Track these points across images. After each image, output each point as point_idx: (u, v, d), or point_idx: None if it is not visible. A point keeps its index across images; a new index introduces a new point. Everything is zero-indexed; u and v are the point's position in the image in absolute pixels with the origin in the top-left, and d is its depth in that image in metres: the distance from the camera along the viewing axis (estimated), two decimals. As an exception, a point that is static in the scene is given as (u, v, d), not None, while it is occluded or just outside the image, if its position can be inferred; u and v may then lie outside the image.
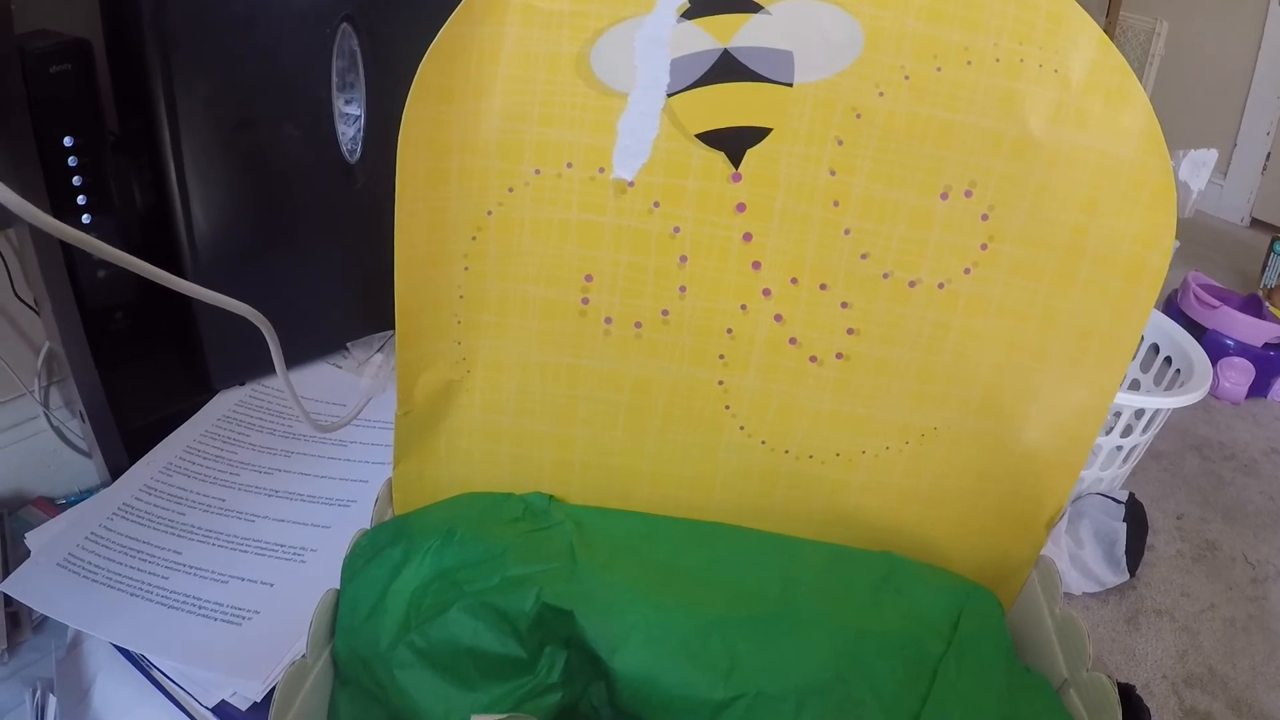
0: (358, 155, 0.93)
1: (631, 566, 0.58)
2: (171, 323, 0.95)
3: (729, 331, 0.60)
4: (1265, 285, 1.57)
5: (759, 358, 0.60)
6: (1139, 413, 0.97)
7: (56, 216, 0.46)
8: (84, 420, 0.86)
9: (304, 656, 0.54)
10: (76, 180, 0.80)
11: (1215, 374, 1.30)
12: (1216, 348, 1.34)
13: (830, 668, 0.53)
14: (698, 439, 0.63)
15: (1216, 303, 1.37)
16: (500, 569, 0.56)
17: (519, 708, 0.54)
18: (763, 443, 0.63)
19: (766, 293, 0.59)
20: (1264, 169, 2.03)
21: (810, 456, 0.63)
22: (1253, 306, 1.39)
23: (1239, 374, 1.34)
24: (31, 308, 0.88)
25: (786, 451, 0.63)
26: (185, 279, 0.54)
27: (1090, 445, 0.60)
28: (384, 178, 0.54)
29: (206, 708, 0.66)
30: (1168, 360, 1.12)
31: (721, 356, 0.61)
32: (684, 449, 0.63)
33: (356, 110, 0.91)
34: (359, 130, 0.92)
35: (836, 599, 0.58)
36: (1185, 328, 1.14)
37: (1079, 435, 0.59)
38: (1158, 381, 1.13)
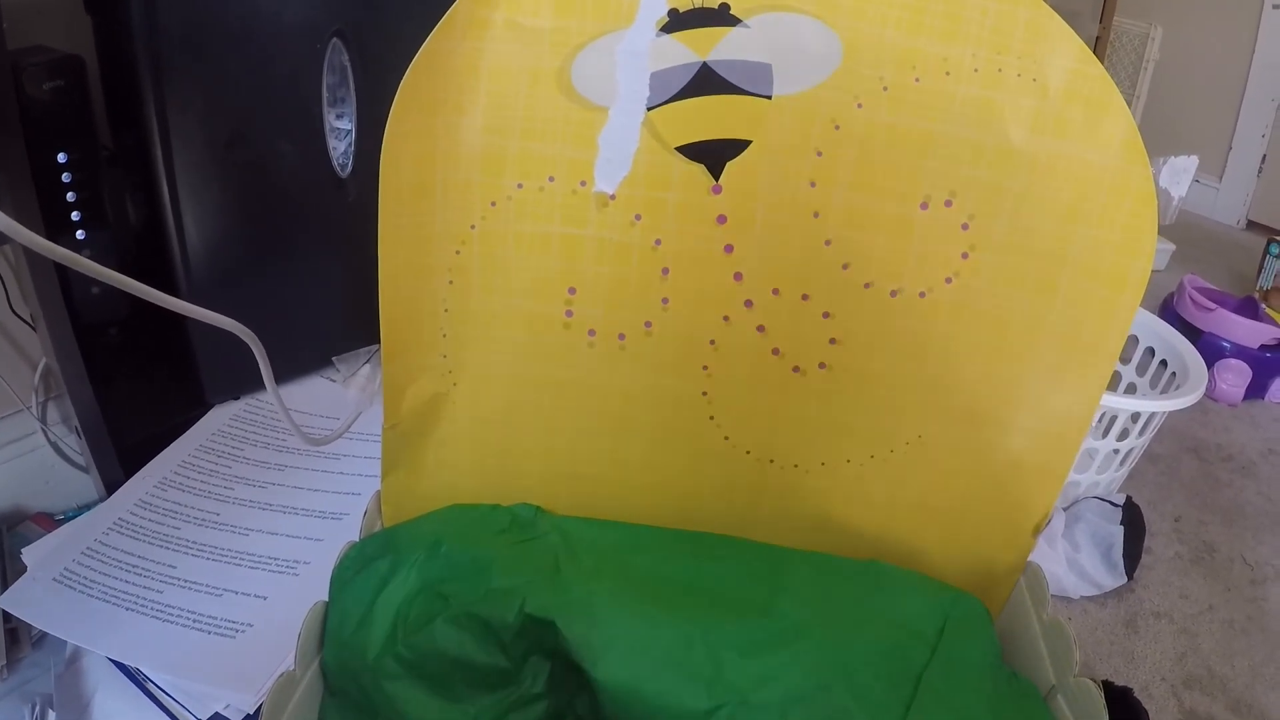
0: (349, 170, 0.94)
1: (616, 576, 0.58)
2: (165, 338, 0.96)
3: (712, 343, 0.60)
4: (1261, 287, 1.57)
5: (742, 369, 0.61)
6: (1135, 416, 0.97)
7: (50, 232, 0.46)
8: (80, 436, 0.86)
9: (293, 668, 0.54)
10: (70, 196, 0.80)
11: (1212, 376, 1.30)
12: (1213, 350, 1.34)
13: (814, 676, 0.53)
14: (683, 449, 0.63)
15: (1213, 305, 1.37)
16: (485, 580, 0.56)
17: (504, 718, 0.54)
18: (747, 453, 0.63)
19: (749, 304, 0.59)
20: (1259, 171, 2.03)
21: (795, 466, 0.63)
22: (1249, 308, 1.39)
23: (1236, 376, 1.34)
24: (28, 323, 0.88)
25: (771, 461, 0.63)
26: (178, 293, 0.55)
27: (1076, 451, 0.60)
28: (375, 192, 0.54)
29: (200, 720, 0.67)
30: (1163, 363, 1.12)
31: (705, 368, 0.61)
32: (669, 459, 0.63)
33: (347, 125, 0.92)
34: (350, 145, 0.93)
35: (822, 607, 0.58)
36: (1182, 331, 1.14)
37: (1064, 441, 0.60)
38: (1153, 385, 1.13)
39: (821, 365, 0.60)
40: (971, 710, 0.53)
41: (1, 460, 0.90)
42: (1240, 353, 1.35)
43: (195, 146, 0.85)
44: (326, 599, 0.58)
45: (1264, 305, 1.40)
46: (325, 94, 0.89)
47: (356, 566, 0.58)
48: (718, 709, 0.51)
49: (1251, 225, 2.09)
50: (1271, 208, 2.04)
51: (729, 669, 0.53)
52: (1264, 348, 1.34)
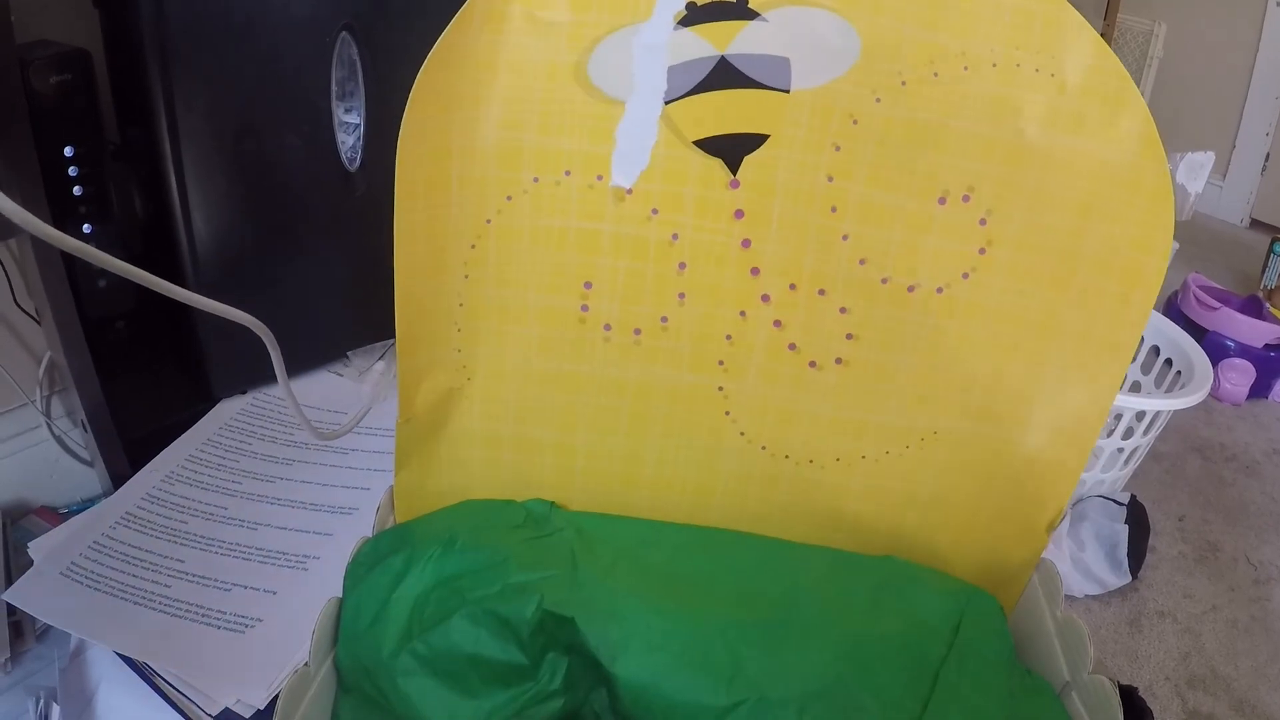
0: (358, 163, 0.93)
1: (633, 573, 0.58)
2: (173, 331, 0.96)
3: (728, 338, 0.60)
4: (1265, 286, 1.57)
5: (758, 363, 0.60)
6: (1140, 415, 0.97)
7: (57, 226, 0.46)
8: (86, 429, 0.86)
9: (306, 665, 0.54)
10: (77, 190, 0.80)
11: (1216, 375, 1.30)
12: (1217, 349, 1.34)
13: (832, 672, 0.53)
14: (698, 445, 0.63)
15: (1217, 304, 1.37)
16: (502, 576, 0.56)
17: (521, 714, 0.54)
18: (763, 448, 0.63)
19: (765, 299, 0.59)
20: (1263, 170, 2.03)
21: (810, 461, 0.63)
22: (1253, 307, 1.39)
23: (1240, 375, 1.34)
24: (33, 317, 0.88)
25: (786, 457, 0.63)
26: (186, 288, 0.55)
27: (1090, 448, 0.60)
28: (384, 186, 0.54)
29: (210, 716, 0.66)
30: (1168, 362, 1.12)
31: (721, 362, 0.61)
32: (684, 455, 0.63)
33: (356, 119, 0.91)
34: (359, 139, 0.92)
35: (838, 604, 0.58)
36: (1186, 329, 1.14)
37: (1079, 438, 0.59)
38: (1158, 383, 1.12)
39: (838, 360, 0.60)
40: (987, 706, 0.53)
41: (6, 454, 0.89)
42: (1244, 352, 1.34)
43: (203, 140, 0.84)
44: (339, 595, 0.58)
45: (1268, 304, 1.40)
46: (334, 88, 0.89)
47: (370, 562, 0.58)
48: (737, 705, 0.51)
49: (1255, 224, 2.09)
50: (1276, 206, 2.04)
51: (748, 665, 0.53)
52: (1268, 347, 1.34)
